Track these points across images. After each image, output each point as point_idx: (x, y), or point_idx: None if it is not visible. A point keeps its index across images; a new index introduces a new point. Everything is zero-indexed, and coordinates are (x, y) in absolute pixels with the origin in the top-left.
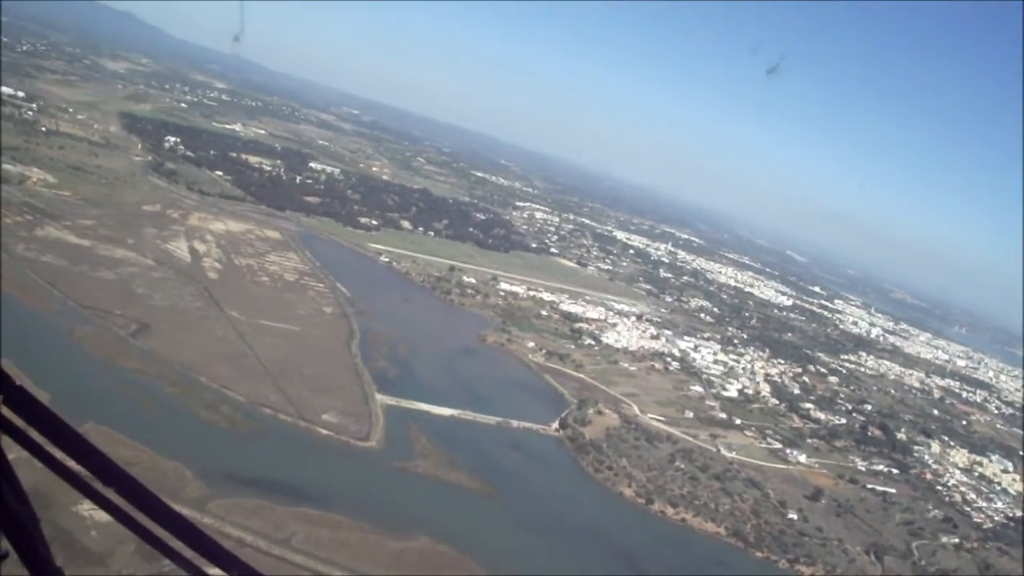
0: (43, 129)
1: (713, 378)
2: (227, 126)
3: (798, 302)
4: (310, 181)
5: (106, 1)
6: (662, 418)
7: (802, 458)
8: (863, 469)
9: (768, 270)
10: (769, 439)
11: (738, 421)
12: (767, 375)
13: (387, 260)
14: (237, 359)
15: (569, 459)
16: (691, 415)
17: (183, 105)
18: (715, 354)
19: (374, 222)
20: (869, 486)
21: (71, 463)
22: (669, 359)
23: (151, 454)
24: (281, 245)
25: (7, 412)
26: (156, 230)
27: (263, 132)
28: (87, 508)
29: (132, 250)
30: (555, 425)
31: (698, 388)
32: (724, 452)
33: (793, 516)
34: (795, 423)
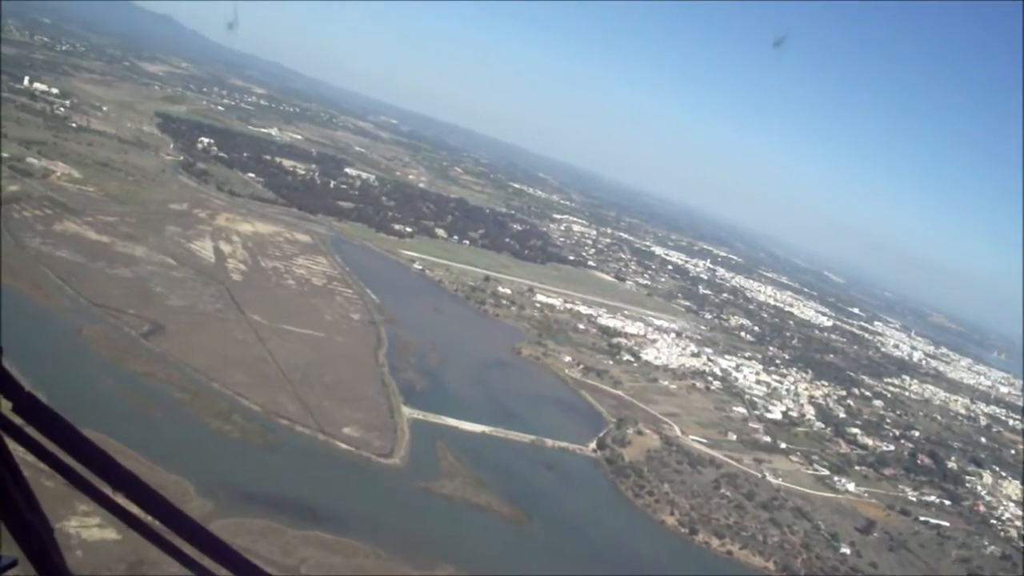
0: (73, 125)
1: (756, 399)
2: (263, 130)
3: (838, 323)
4: (344, 186)
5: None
6: (704, 440)
7: (850, 486)
8: (914, 500)
9: (806, 290)
10: (816, 465)
11: (783, 445)
12: (811, 397)
13: (420, 267)
14: (255, 365)
15: (607, 483)
16: (734, 437)
17: (220, 108)
18: (757, 374)
19: (408, 229)
20: (922, 518)
21: (82, 469)
22: (710, 378)
23: (151, 466)
24: (310, 248)
25: (16, 419)
26: (180, 229)
27: (299, 137)
28: (74, 526)
29: (153, 248)
30: (592, 445)
31: (741, 409)
32: (770, 478)
33: (846, 550)
34: (842, 448)
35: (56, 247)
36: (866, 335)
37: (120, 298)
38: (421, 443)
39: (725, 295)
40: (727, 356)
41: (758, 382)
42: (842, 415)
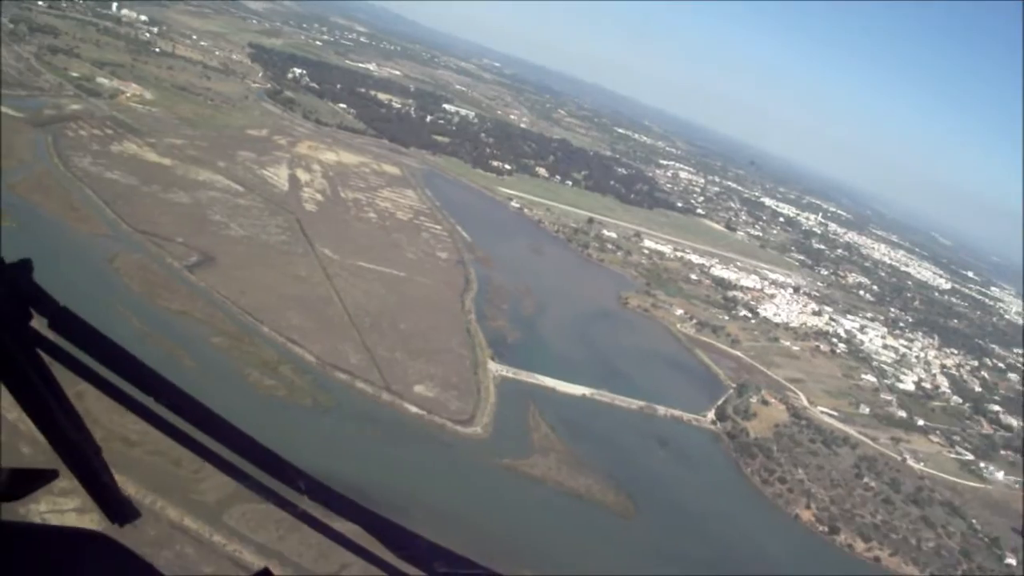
0: (156, 50)
1: (885, 366)
2: (360, 65)
3: (956, 286)
4: (442, 122)
5: None
6: (835, 413)
7: (999, 475)
8: None
9: (918, 250)
10: (958, 448)
11: (920, 422)
12: (943, 367)
13: (518, 206)
14: (317, 306)
15: (729, 464)
16: (867, 411)
17: (318, 43)
18: (883, 337)
19: (507, 167)
20: None
21: (122, 383)
22: (834, 339)
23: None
24: (398, 181)
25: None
26: (255, 155)
27: (398, 73)
28: (43, 510)
29: (220, 173)
30: (710, 415)
31: (870, 377)
32: (911, 463)
33: (1011, 560)
34: (984, 428)
35: (107, 168)
36: (986, 300)
37: (169, 225)
38: (509, 407)
39: (839, 251)
40: (849, 316)
41: (885, 347)
42: (978, 389)
